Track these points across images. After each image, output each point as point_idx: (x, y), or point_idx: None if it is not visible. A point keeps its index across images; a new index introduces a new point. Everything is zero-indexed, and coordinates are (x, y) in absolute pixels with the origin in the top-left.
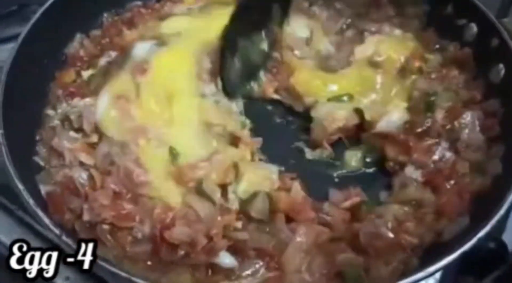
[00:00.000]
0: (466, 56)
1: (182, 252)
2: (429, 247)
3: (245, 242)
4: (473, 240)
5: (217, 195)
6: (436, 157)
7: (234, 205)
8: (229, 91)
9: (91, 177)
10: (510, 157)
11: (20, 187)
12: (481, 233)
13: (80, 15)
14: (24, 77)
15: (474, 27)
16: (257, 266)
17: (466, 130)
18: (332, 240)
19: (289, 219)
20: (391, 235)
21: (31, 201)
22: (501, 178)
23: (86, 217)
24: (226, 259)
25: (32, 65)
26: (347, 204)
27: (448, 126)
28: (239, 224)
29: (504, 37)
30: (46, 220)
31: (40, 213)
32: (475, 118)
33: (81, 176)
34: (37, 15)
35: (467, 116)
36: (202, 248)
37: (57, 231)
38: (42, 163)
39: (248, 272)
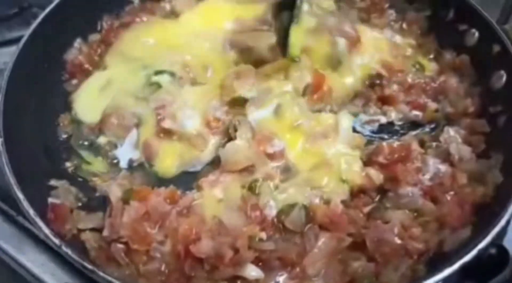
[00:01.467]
0: (463, 63)
1: (208, 267)
2: (431, 256)
3: (270, 252)
4: (474, 252)
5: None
6: (429, 175)
7: (272, 213)
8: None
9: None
10: (509, 166)
11: (20, 196)
12: (482, 244)
13: (81, 19)
14: (25, 81)
15: (475, 33)
16: (281, 276)
17: (453, 144)
18: (348, 247)
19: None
20: (398, 241)
21: (31, 211)
22: (502, 188)
23: (105, 232)
24: (252, 271)
25: (33, 69)
26: (367, 209)
27: (434, 144)
28: (263, 235)
29: (506, 43)
30: (47, 230)
31: (40, 223)
32: (457, 133)
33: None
34: (39, 19)
35: (449, 132)
36: (230, 260)
37: (57, 241)
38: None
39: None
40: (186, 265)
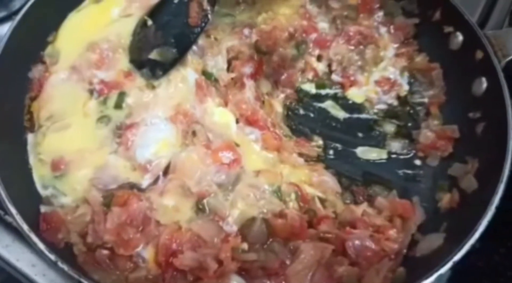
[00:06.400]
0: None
1: (191, 278)
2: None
3: (252, 262)
4: (449, 264)
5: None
6: None
7: (233, 229)
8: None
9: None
10: (484, 174)
11: (13, 211)
12: (457, 257)
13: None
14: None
15: (460, 36)
16: None
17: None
18: (332, 254)
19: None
20: (374, 246)
21: (25, 226)
22: (476, 195)
23: (89, 238)
24: (235, 281)
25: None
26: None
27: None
28: (245, 246)
29: (488, 50)
30: (41, 246)
31: (35, 239)
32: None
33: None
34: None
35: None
36: (214, 272)
37: (52, 257)
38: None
39: None
40: (167, 276)
